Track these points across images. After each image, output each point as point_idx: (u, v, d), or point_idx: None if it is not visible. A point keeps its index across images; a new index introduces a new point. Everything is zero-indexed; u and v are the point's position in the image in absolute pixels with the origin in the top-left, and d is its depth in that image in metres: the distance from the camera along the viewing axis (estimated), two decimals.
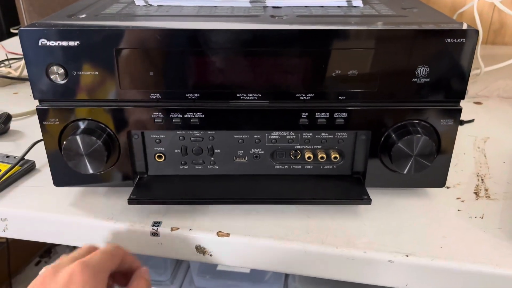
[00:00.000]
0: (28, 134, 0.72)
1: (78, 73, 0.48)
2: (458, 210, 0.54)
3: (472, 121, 0.76)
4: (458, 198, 0.56)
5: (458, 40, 0.47)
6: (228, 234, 0.50)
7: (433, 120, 0.51)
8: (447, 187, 0.58)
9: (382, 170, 0.54)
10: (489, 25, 1.14)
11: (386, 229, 0.51)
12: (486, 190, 0.58)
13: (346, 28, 0.47)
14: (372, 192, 0.54)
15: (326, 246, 0.49)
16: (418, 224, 0.52)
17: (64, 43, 0.47)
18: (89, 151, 0.50)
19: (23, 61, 0.92)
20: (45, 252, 1.21)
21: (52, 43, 0.47)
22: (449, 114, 0.51)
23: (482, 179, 0.60)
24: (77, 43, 0.47)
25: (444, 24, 0.49)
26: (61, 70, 0.48)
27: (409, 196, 0.57)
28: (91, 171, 0.51)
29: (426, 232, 0.51)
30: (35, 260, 1.19)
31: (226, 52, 0.48)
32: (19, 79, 0.90)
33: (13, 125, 0.73)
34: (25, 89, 0.87)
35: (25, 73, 0.92)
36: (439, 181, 0.55)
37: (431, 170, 0.52)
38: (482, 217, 0.53)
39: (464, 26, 0.48)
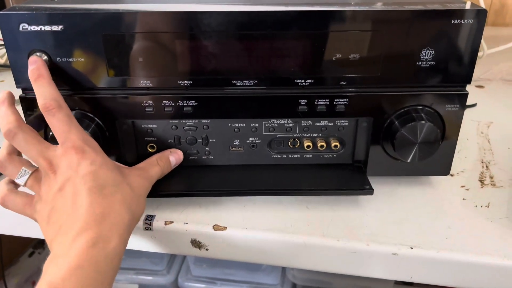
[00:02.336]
0: None
1: (63, 59, 0.46)
2: (463, 199, 0.52)
3: (474, 105, 0.74)
4: (462, 186, 0.55)
5: (465, 21, 0.44)
6: (224, 228, 0.48)
7: (438, 106, 0.49)
8: (451, 175, 0.56)
9: (384, 158, 0.52)
10: (490, 5, 1.11)
11: (389, 219, 0.49)
12: (491, 177, 0.56)
13: (347, 9, 0.44)
14: (373, 181, 0.51)
15: (327, 238, 0.47)
16: (422, 214, 0.50)
17: (47, 28, 0.44)
18: None
19: None
20: (38, 243, 1.19)
21: (34, 28, 0.44)
22: (454, 99, 0.48)
23: (486, 166, 0.58)
24: (61, 28, 0.44)
25: (449, 3, 0.46)
26: (44, 57, 0.45)
27: (412, 185, 0.55)
28: None
29: (431, 222, 0.49)
30: (29, 251, 1.17)
31: (220, 36, 0.45)
32: (5, 66, 0.87)
33: None
34: (12, 77, 0.83)
35: None
36: (444, 169, 0.53)
37: (435, 157, 0.50)
38: (488, 206, 0.51)
39: (471, 6, 0.45)
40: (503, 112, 0.72)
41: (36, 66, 0.44)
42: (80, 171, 0.41)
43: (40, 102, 0.43)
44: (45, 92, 0.43)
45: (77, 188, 0.41)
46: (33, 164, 0.45)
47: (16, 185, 0.47)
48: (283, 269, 1.09)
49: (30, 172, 0.45)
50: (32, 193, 0.45)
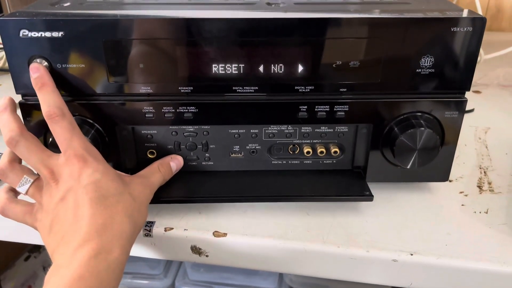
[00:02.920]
0: None
1: (63, 66, 0.46)
2: (462, 205, 0.53)
3: (472, 110, 0.74)
4: (461, 192, 0.55)
5: (465, 29, 0.45)
6: (224, 234, 0.48)
7: (437, 112, 0.49)
8: (450, 181, 0.56)
9: (384, 164, 0.52)
10: (486, 10, 1.12)
11: (389, 226, 0.49)
12: (490, 183, 0.56)
13: (347, 17, 0.45)
14: (371, 187, 0.52)
15: (327, 245, 0.47)
16: (422, 221, 0.50)
17: (48, 34, 0.44)
18: None
19: None
20: (34, 247, 1.19)
21: (35, 34, 0.44)
22: (453, 106, 0.49)
23: (484, 172, 0.59)
24: (62, 34, 0.44)
25: (449, 11, 0.46)
26: (45, 63, 0.45)
27: (411, 191, 0.55)
28: None
29: (430, 228, 0.49)
30: (25, 255, 1.16)
31: (221, 43, 0.45)
32: (3, 70, 0.87)
33: None
34: (9, 81, 0.82)
35: None
36: (443, 175, 0.53)
37: (434, 164, 0.51)
38: (486, 212, 0.51)
39: (470, 14, 0.45)
40: (501, 117, 0.73)
41: (39, 74, 0.44)
42: (82, 181, 0.41)
43: (44, 109, 0.43)
44: (49, 99, 0.43)
45: (79, 198, 0.41)
46: (34, 172, 0.45)
47: (16, 193, 0.47)
48: (281, 273, 1.09)
49: (31, 180, 0.44)
50: (32, 201, 0.45)
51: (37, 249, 1.20)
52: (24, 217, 0.45)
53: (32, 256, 1.18)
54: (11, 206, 0.45)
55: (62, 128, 0.43)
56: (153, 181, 0.48)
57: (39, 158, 0.43)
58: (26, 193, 0.45)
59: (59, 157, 0.43)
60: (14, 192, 0.47)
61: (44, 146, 0.44)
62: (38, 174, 0.45)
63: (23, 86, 0.46)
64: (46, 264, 1.21)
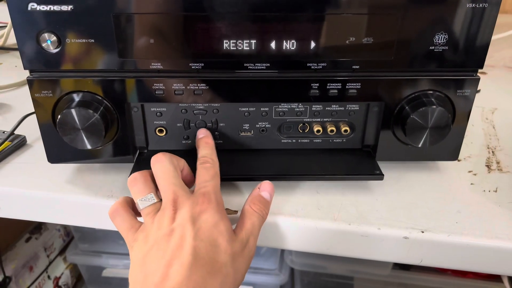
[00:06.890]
0: (16, 107, 0.68)
1: (73, 40, 0.45)
2: (471, 183, 0.53)
3: (478, 91, 0.74)
4: (470, 172, 0.55)
5: (480, 5, 0.44)
6: (235, 211, 0.48)
7: (449, 91, 0.49)
8: (458, 160, 0.57)
9: (394, 143, 0.52)
10: None
11: (399, 204, 0.49)
12: (498, 162, 0.57)
13: None
14: (381, 166, 0.52)
15: (338, 222, 0.47)
16: (432, 199, 0.50)
17: (56, 8, 0.43)
18: (85, 125, 0.47)
19: (6, 29, 0.87)
20: (35, 228, 1.18)
21: (43, 8, 0.43)
22: (466, 84, 0.48)
23: (492, 152, 0.59)
24: (71, 8, 0.43)
25: None
26: (54, 38, 0.44)
27: (420, 170, 0.55)
28: (88, 146, 0.48)
29: (440, 207, 0.49)
30: (25, 236, 1.16)
31: (233, 18, 0.44)
32: (3, 48, 0.85)
33: None
34: (10, 59, 0.82)
35: (9, 42, 0.86)
36: (452, 154, 0.53)
37: (444, 142, 0.50)
38: (495, 191, 0.52)
39: None
40: (507, 98, 0.73)
41: (205, 135, 0.51)
42: (197, 221, 0.40)
43: (200, 156, 0.48)
44: (207, 152, 0.48)
45: (185, 240, 0.39)
46: (159, 197, 0.44)
47: (132, 207, 0.45)
48: (282, 254, 1.10)
49: (155, 201, 0.43)
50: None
51: (37, 231, 1.20)
52: (128, 231, 0.43)
53: (33, 238, 1.18)
54: (123, 213, 0.43)
55: (207, 172, 0.45)
56: (254, 244, 0.44)
57: (172, 181, 0.43)
58: (143, 209, 0.43)
59: (189, 191, 0.43)
60: (130, 205, 0.45)
61: (180, 177, 0.45)
62: (161, 199, 0.43)
63: (31, 61, 0.45)
64: (47, 245, 1.21)
